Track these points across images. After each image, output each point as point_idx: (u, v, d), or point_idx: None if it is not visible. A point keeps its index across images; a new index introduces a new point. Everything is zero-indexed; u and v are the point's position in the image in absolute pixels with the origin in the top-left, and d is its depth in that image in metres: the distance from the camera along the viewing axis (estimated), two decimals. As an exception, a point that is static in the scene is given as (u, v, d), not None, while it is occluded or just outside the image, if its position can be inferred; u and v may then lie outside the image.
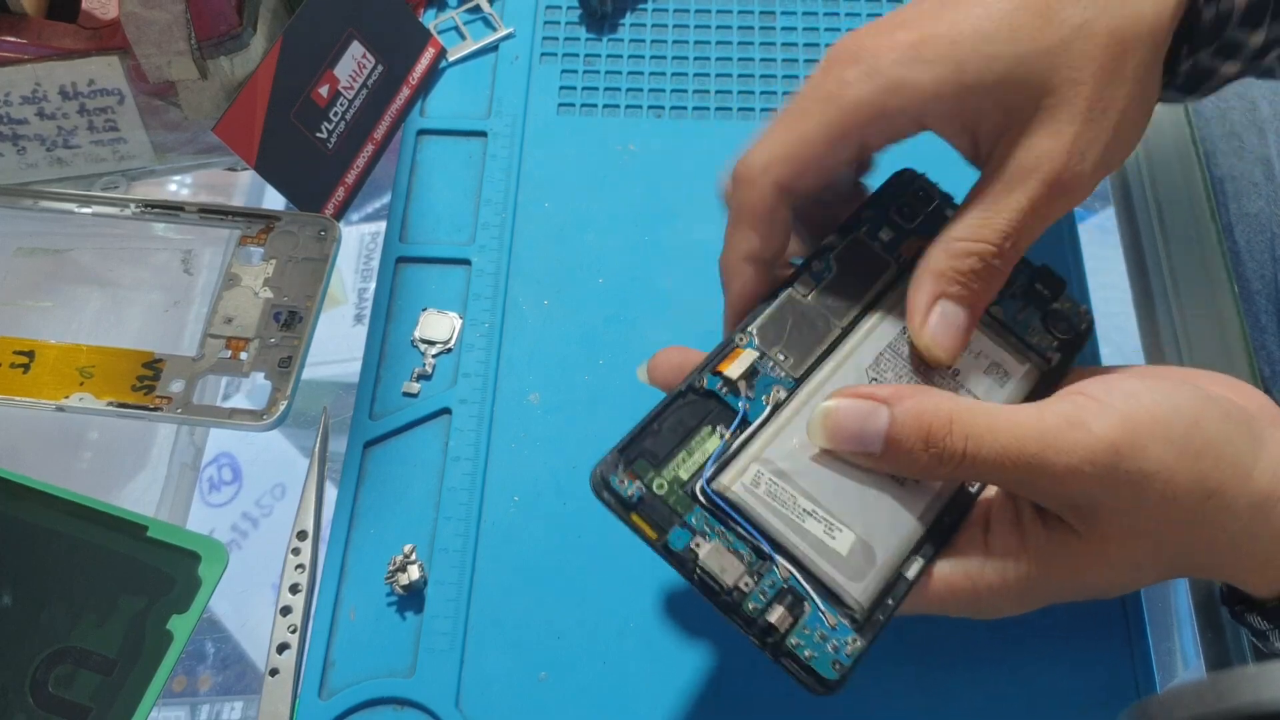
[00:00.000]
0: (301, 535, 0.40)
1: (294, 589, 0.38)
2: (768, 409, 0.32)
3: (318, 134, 0.45)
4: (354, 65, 0.46)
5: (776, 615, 0.29)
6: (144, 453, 0.44)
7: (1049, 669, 0.37)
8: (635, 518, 0.30)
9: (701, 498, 0.30)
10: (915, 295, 0.33)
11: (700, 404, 0.31)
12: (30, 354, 0.42)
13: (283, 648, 0.37)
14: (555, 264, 0.45)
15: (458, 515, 0.39)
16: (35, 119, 0.44)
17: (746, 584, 0.29)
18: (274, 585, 0.39)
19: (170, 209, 0.45)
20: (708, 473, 0.30)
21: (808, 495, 0.30)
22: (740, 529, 0.30)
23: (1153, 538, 0.31)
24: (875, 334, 0.34)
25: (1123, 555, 0.31)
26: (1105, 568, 0.32)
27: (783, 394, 0.32)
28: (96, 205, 0.45)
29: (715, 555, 0.29)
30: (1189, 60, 0.35)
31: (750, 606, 0.29)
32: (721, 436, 0.31)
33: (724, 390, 0.32)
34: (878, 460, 0.30)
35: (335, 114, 0.46)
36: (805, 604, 0.29)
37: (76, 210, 0.45)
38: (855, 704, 0.36)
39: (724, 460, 0.31)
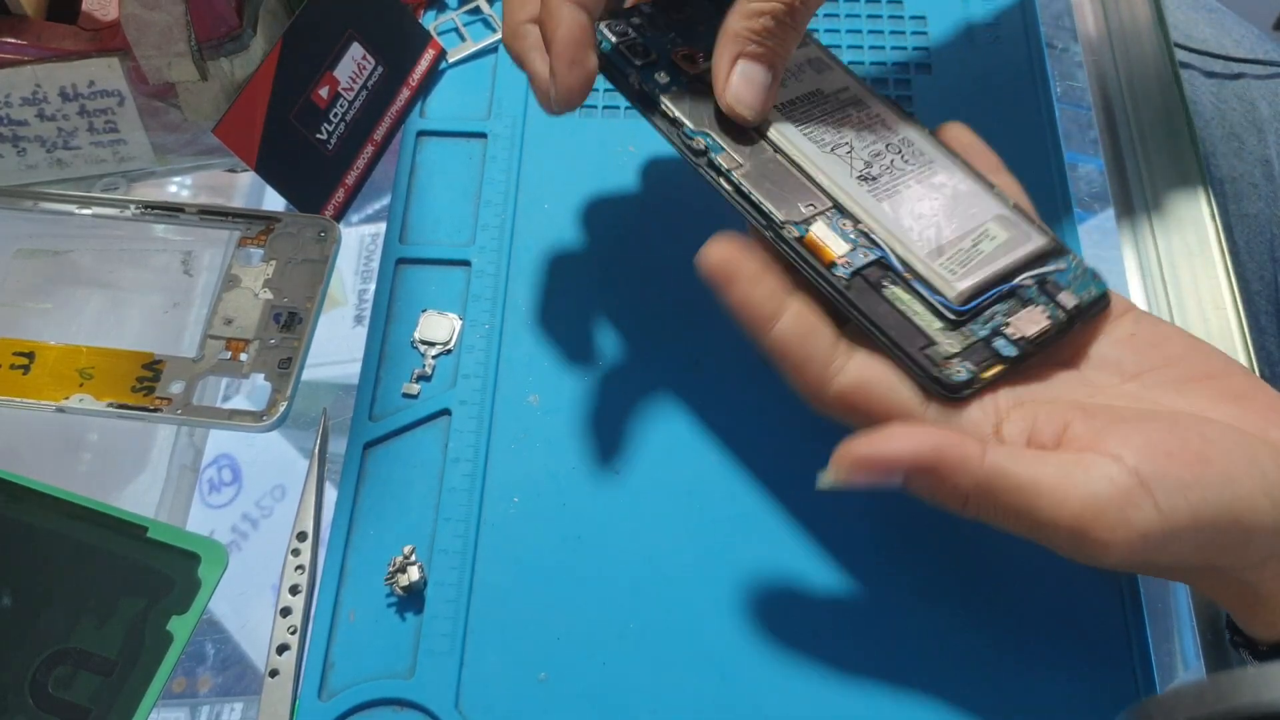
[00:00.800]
0: (301, 536, 0.40)
1: (294, 590, 0.38)
2: (873, 238, 0.35)
3: (318, 135, 0.45)
4: (354, 67, 0.46)
5: (1071, 300, 0.35)
6: (144, 454, 0.44)
7: (1049, 670, 0.37)
8: (995, 372, 0.33)
9: (970, 314, 0.34)
10: (718, 61, 0.35)
11: (863, 286, 0.34)
12: (30, 355, 0.42)
13: (282, 649, 0.37)
14: (555, 265, 0.45)
15: (457, 516, 0.39)
16: (35, 120, 0.44)
17: (1044, 312, 0.34)
18: (274, 586, 0.39)
19: (170, 210, 0.45)
20: (952, 300, 0.34)
21: (963, 238, 0.35)
22: (993, 296, 0.34)
23: (1149, 571, 0.32)
24: (798, 130, 0.37)
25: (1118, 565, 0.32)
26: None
27: (848, 224, 0.35)
28: (96, 207, 0.45)
29: (1026, 322, 0.34)
30: None
31: (1064, 315, 0.34)
32: (903, 280, 0.34)
33: (849, 265, 0.34)
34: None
35: (335, 115, 0.46)
36: (1054, 277, 0.35)
37: (76, 211, 0.45)
38: (854, 706, 0.36)
39: (931, 289, 0.34)
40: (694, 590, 0.38)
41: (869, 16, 0.51)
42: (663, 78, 0.38)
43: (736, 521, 0.39)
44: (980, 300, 0.34)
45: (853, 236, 0.35)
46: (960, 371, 0.33)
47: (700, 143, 0.36)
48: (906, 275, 0.34)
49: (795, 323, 0.33)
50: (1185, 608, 0.40)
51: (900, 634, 0.37)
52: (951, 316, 0.34)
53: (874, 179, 0.36)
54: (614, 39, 0.38)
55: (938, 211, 0.36)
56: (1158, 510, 0.28)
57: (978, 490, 0.30)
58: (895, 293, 0.34)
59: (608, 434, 0.41)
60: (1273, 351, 0.46)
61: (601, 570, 0.38)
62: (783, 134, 0.37)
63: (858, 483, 0.30)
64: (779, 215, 0.35)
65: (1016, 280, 0.35)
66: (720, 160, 0.36)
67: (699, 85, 0.37)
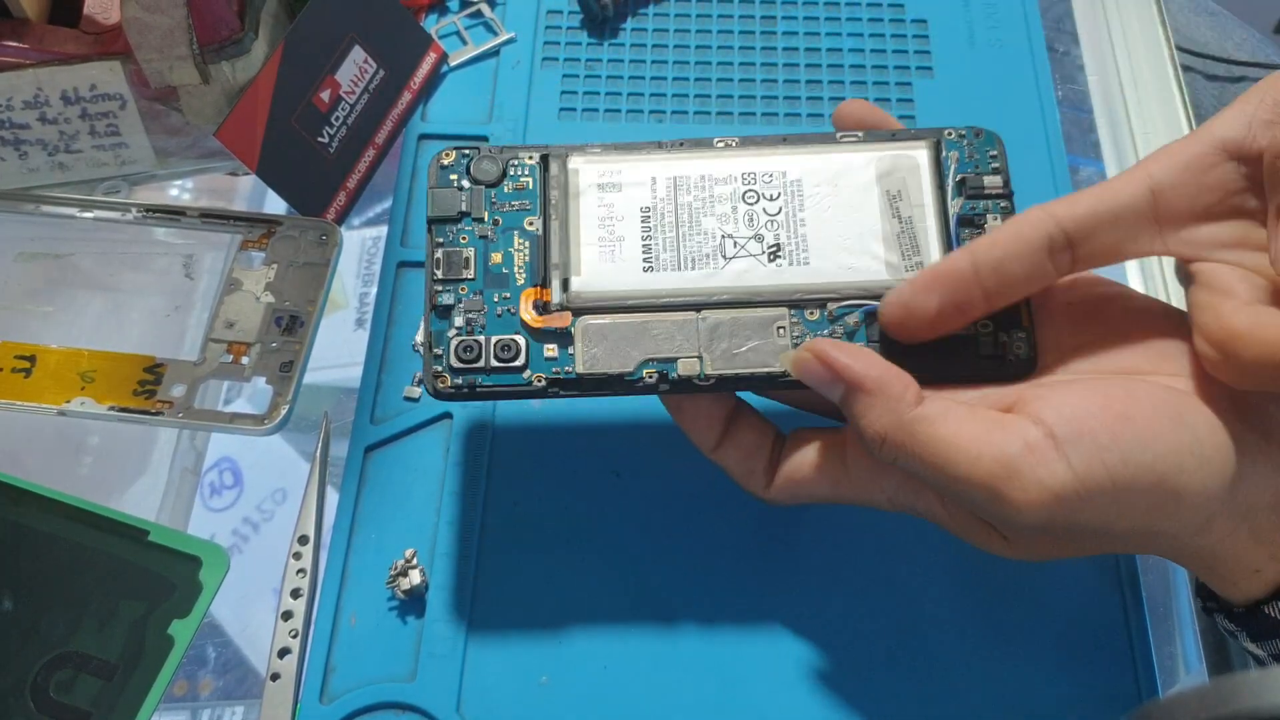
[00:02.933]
0: (303, 540, 0.40)
1: (295, 594, 0.38)
2: (850, 306, 0.34)
3: (319, 139, 0.45)
4: (355, 70, 0.46)
5: (997, 181, 0.35)
6: (145, 457, 0.44)
7: (1050, 673, 0.37)
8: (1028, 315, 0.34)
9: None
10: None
11: (893, 348, 0.33)
12: (32, 359, 0.42)
13: (284, 652, 0.37)
14: (556, 268, 0.45)
15: (459, 520, 0.39)
16: (37, 124, 0.45)
17: (997, 219, 0.34)
18: (275, 590, 0.39)
19: (171, 214, 0.45)
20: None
21: (889, 220, 0.34)
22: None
23: (1076, 549, 0.32)
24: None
25: (1039, 554, 0.32)
26: (1016, 554, 0.32)
27: (816, 314, 0.34)
28: (98, 210, 0.45)
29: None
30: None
31: (1007, 201, 0.35)
32: None
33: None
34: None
35: (336, 119, 0.46)
36: (962, 174, 0.35)
37: (78, 215, 0.45)
38: (855, 708, 0.36)
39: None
40: (695, 594, 0.38)
41: (870, 20, 0.51)
42: (551, 350, 0.33)
43: (738, 524, 0.39)
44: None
45: (837, 329, 0.33)
46: (1020, 347, 0.33)
47: (652, 374, 0.33)
48: None
49: (736, 448, 0.34)
50: (1187, 610, 0.40)
51: (901, 635, 0.37)
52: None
53: (780, 247, 0.34)
54: (462, 363, 0.33)
55: (847, 220, 0.34)
56: (1071, 470, 0.28)
57: (898, 431, 0.30)
58: None
59: (609, 437, 0.41)
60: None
61: (603, 574, 0.38)
62: (675, 287, 0.33)
63: (808, 376, 0.32)
64: (776, 368, 0.33)
65: (953, 213, 0.34)
66: (680, 371, 0.33)
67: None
